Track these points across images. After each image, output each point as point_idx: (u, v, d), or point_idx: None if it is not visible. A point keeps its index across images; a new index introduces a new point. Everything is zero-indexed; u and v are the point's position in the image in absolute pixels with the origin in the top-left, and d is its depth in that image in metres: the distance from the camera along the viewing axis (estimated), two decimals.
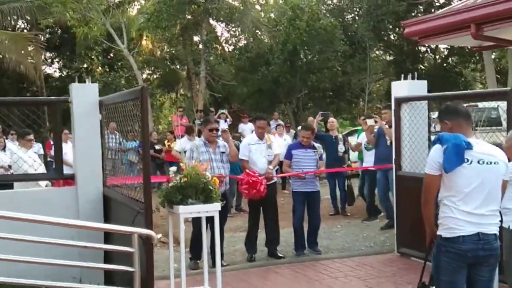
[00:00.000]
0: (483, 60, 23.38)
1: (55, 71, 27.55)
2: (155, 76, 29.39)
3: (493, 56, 23.05)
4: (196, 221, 7.35)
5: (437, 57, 28.89)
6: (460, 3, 9.44)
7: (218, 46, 27.06)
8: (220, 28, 25.72)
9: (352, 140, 12.92)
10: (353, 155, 13.65)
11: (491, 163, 3.87)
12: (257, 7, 25.89)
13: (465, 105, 12.02)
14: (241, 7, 22.65)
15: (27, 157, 7.92)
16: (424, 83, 8.10)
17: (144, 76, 28.81)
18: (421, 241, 7.60)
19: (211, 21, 24.70)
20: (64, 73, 26.91)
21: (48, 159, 13.09)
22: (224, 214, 7.45)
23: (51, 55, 26.95)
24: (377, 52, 28.61)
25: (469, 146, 3.81)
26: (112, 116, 6.30)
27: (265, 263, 7.77)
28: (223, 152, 7.69)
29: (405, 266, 7.38)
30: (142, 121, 5.04)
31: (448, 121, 4.02)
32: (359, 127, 17.53)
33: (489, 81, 20.95)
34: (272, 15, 25.63)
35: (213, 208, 5.21)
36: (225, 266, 7.55)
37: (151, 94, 25.21)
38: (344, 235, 9.54)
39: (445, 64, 27.60)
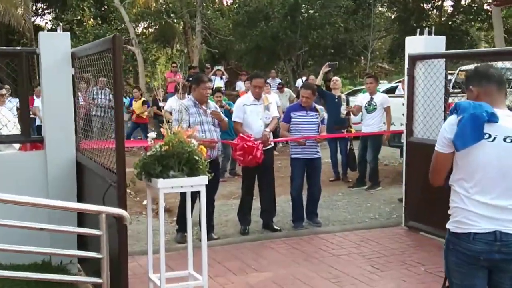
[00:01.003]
0: (490, 19, 22.43)
1: (46, 23, 26.41)
2: (150, 30, 28.36)
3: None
4: None
5: (443, 14, 27.80)
6: None
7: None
8: None
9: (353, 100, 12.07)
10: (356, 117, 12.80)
11: None
12: None
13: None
14: None
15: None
16: (442, 39, 7.23)
17: (140, 30, 27.79)
18: (432, 214, 7.01)
19: None
20: (56, 25, 25.78)
21: (31, 116, 12.31)
22: (215, 183, 6.70)
23: (42, 6, 25.79)
24: (380, 9, 27.59)
25: (492, 118, 2.94)
26: (87, 71, 5.42)
27: (260, 236, 7.04)
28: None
29: (415, 243, 6.68)
30: (114, 75, 4.20)
31: (474, 88, 3.15)
32: (362, 87, 16.74)
33: (496, 40, 20.02)
34: None
35: (199, 182, 4.39)
36: (215, 239, 6.86)
37: (145, 48, 24.26)
38: (346, 204, 8.81)
39: (450, 22, 26.51)
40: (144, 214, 8.40)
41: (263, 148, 6.90)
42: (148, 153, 4.37)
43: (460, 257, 3.06)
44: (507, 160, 2.97)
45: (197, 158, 4.37)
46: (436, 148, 3.16)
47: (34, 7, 25.36)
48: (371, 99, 9.81)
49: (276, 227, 7.26)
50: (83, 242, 4.99)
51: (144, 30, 28.47)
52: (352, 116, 10.73)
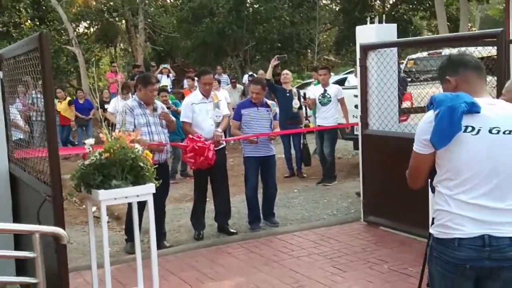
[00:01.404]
0: (433, 8, 22.60)
1: None
2: (92, 30, 27.48)
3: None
4: None
5: (386, 4, 27.97)
6: None
7: None
8: None
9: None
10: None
11: (511, 132, 2.59)
12: None
13: (424, 53, 11.07)
14: None
15: None
16: (393, 27, 7.02)
17: (81, 29, 26.90)
18: (391, 208, 6.77)
19: None
20: None
21: None
22: (165, 188, 6.27)
23: None
24: (324, 1, 27.55)
25: (473, 108, 2.57)
26: (16, 73, 4.90)
27: (215, 241, 6.64)
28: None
29: (375, 238, 6.44)
30: (43, 76, 3.74)
31: (451, 77, 2.79)
32: (310, 80, 16.52)
33: (440, 28, 20.18)
34: None
35: (146, 191, 3.98)
36: (168, 247, 6.45)
37: (87, 48, 23.45)
38: (302, 201, 8.50)
39: (393, 13, 26.65)
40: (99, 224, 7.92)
41: (215, 148, 6.53)
42: (86, 162, 3.92)
43: (444, 266, 2.69)
44: (496, 153, 2.60)
45: (142, 164, 3.97)
46: (414, 149, 2.79)
47: None
48: (325, 91, 9.53)
49: (232, 230, 6.89)
50: (23, 265, 4.51)
51: (86, 30, 27.61)
52: (302, 110, 10.43)
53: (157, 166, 6.13)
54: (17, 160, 4.94)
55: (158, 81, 6.35)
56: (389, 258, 5.74)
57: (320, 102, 9.61)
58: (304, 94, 10.57)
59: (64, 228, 3.75)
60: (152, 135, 6.23)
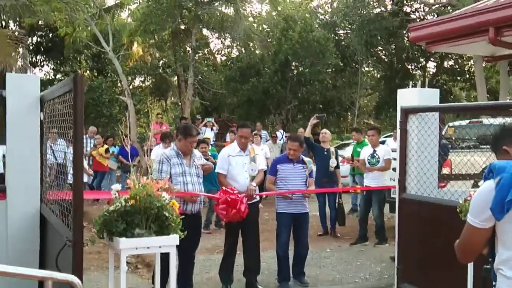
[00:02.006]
0: (473, 79, 22.14)
1: (45, 74, 25.82)
2: (146, 83, 27.93)
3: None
4: None
5: (426, 75, 27.61)
6: (478, 3, 7.98)
7: (210, 56, 25.73)
8: (212, 38, 24.23)
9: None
10: (343, 169, 12.02)
11: None
12: (250, 18, 24.34)
13: (465, 122, 10.58)
14: (234, 16, 21.14)
15: None
16: (436, 92, 6.59)
17: (137, 83, 27.36)
18: (427, 276, 6.23)
19: (204, 31, 23.37)
20: (53, 77, 25.35)
21: None
22: (195, 239, 5.92)
23: (41, 57, 25.29)
24: (366, 68, 27.39)
25: None
26: (55, 115, 4.69)
27: None
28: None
29: None
30: (74, 117, 3.48)
31: (510, 148, 2.43)
32: (349, 141, 16.12)
33: (480, 99, 19.59)
34: (264, 26, 24.26)
35: (169, 242, 3.61)
36: None
37: (139, 99, 23.72)
38: (335, 262, 7.95)
39: (434, 82, 26.25)
40: (129, 269, 7.55)
41: (248, 202, 6.16)
42: (111, 208, 3.60)
43: None
44: None
45: (167, 214, 3.61)
46: (468, 221, 2.35)
47: (34, 59, 24.91)
48: (374, 151, 9.10)
49: (260, 286, 6.41)
50: None
51: (141, 83, 28.07)
52: (339, 169, 10.00)
53: (189, 216, 5.90)
54: (48, 202, 4.67)
55: (199, 133, 6.06)
56: None
57: (369, 163, 9.16)
58: (336, 151, 10.15)
59: (81, 275, 3.42)
60: (187, 185, 5.91)
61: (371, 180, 9.10)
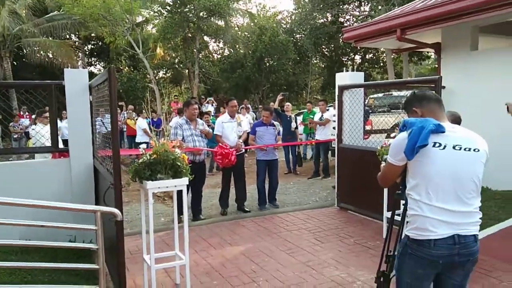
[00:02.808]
0: (385, 66, 21.91)
1: (98, 71, 24.96)
2: (167, 75, 27.19)
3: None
4: None
5: (355, 64, 27.27)
6: (389, 12, 7.75)
7: (209, 55, 25.05)
8: (210, 42, 23.46)
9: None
10: (299, 129, 11.87)
11: (470, 149, 2.06)
12: (236, 28, 23.58)
13: (380, 94, 10.41)
14: (224, 26, 20.51)
15: (44, 132, 6.04)
16: (361, 74, 6.44)
17: (161, 75, 26.64)
18: (356, 197, 6.13)
19: (205, 38, 22.64)
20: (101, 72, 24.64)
21: None
22: (202, 178, 5.82)
23: (94, 59, 24.43)
24: (315, 61, 26.93)
25: (439, 129, 2.05)
26: (100, 97, 4.46)
27: (234, 216, 6.11)
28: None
29: (345, 219, 5.85)
30: (110, 98, 3.28)
31: (417, 109, 2.24)
32: (303, 110, 15.95)
33: (390, 79, 19.43)
34: (246, 33, 23.61)
35: (181, 183, 3.48)
36: (203, 219, 5.93)
37: (162, 86, 23.14)
38: (295, 191, 7.94)
39: (359, 69, 25.91)
40: (159, 201, 7.44)
41: (237, 153, 6.04)
42: (140, 160, 3.44)
43: (418, 262, 2.08)
44: (459, 165, 2.05)
45: (179, 164, 3.47)
46: (388, 160, 2.20)
47: (89, 60, 24.08)
48: (322, 115, 8.98)
49: (247, 209, 6.37)
50: None
51: (163, 75, 27.31)
52: (298, 129, 9.90)
53: (197, 163, 5.77)
54: (98, 157, 4.50)
55: (197, 103, 5.86)
56: (354, 234, 5.18)
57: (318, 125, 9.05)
58: (295, 117, 10.03)
59: (121, 208, 3.28)
60: (195, 143, 5.76)
61: (319, 136, 9.02)
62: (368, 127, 7.78)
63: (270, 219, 5.91)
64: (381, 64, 24.69)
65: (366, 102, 9.63)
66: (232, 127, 6.22)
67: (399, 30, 6.51)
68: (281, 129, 7.27)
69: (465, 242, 2.04)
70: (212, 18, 19.47)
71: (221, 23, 20.71)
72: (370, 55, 25.93)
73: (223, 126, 6.19)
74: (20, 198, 2.68)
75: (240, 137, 6.28)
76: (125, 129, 13.42)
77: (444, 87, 5.29)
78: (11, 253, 3.91)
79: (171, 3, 17.98)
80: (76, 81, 4.59)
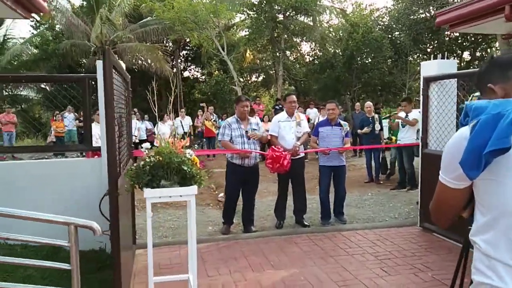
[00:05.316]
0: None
1: (192, 75, 26.02)
2: (259, 79, 27.21)
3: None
4: (229, 187, 5.07)
5: (463, 62, 24.02)
6: None
7: (297, 55, 24.32)
8: (299, 42, 22.64)
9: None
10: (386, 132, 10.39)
11: None
12: (324, 24, 22.43)
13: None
14: (311, 25, 19.63)
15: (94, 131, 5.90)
16: (453, 62, 5.13)
17: (254, 78, 26.79)
18: None
19: (293, 38, 21.99)
20: (196, 76, 25.65)
21: None
22: (254, 185, 5.13)
23: (188, 63, 25.48)
24: (414, 57, 24.46)
25: None
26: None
27: (289, 231, 5.24)
28: (254, 129, 5.21)
29: (426, 244, 4.62)
30: (105, 93, 2.73)
31: (497, 85, 1.19)
32: (394, 112, 14.29)
33: None
34: (336, 31, 22.35)
35: (188, 192, 2.79)
36: (253, 231, 5.21)
37: (249, 88, 23.17)
38: (372, 204, 6.74)
39: (468, 67, 22.74)
40: (211, 205, 6.94)
41: (294, 158, 5.18)
42: (141, 163, 2.85)
43: None
44: None
45: (185, 168, 2.78)
46: (440, 179, 1.26)
47: (185, 65, 25.23)
48: (406, 116, 7.64)
49: (306, 223, 5.47)
50: None
51: (256, 79, 27.38)
52: (382, 131, 8.63)
53: (247, 168, 5.08)
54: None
55: (248, 99, 5.15)
56: (434, 265, 3.96)
57: (401, 125, 7.69)
58: (380, 118, 8.76)
59: (117, 218, 2.74)
60: (244, 145, 5.07)
61: (403, 138, 7.61)
62: None
63: (331, 237, 4.92)
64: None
65: (469, 100, 7.99)
66: (290, 126, 5.39)
67: (508, 7, 4.98)
68: (349, 129, 6.18)
69: None
70: (298, 16, 18.76)
71: (309, 21, 19.85)
72: (481, 52, 22.61)
73: (279, 125, 5.39)
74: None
75: (299, 138, 5.40)
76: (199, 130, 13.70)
77: None
78: None
79: (257, 3, 17.71)
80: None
